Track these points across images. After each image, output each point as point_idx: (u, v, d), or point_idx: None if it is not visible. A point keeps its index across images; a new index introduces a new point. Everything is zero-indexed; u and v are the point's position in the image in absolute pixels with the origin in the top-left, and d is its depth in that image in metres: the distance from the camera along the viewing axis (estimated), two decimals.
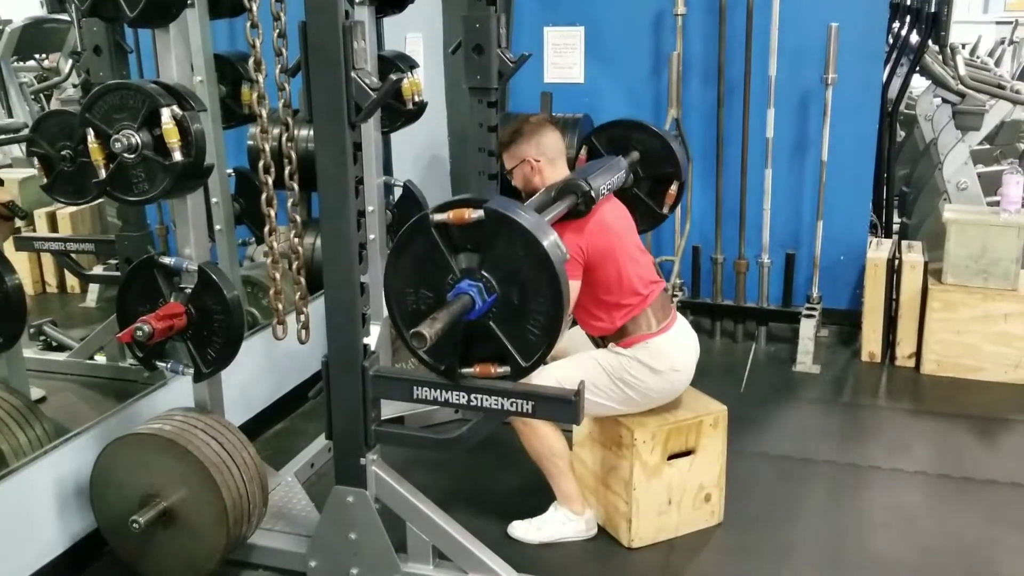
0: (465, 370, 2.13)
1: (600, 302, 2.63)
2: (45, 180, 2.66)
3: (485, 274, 2.02)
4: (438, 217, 2.02)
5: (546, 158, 2.71)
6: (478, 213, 1.99)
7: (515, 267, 2.00)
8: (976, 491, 3.07)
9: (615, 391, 2.62)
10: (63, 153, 2.63)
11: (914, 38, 5.05)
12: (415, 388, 2.35)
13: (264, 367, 3.38)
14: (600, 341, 2.74)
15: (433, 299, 2.08)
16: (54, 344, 3.82)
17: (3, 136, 3.90)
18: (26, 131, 4.72)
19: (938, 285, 3.92)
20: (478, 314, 2.01)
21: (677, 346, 2.69)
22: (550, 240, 2.00)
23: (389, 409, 2.95)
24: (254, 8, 2.16)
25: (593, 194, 2.52)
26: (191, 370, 2.46)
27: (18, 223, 3.78)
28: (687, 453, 2.73)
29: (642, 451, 2.64)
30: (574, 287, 2.50)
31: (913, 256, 4.05)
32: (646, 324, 2.64)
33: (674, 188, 3.03)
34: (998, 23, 11.35)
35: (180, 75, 2.34)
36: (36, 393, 3.11)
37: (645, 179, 3.04)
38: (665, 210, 3.07)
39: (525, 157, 2.71)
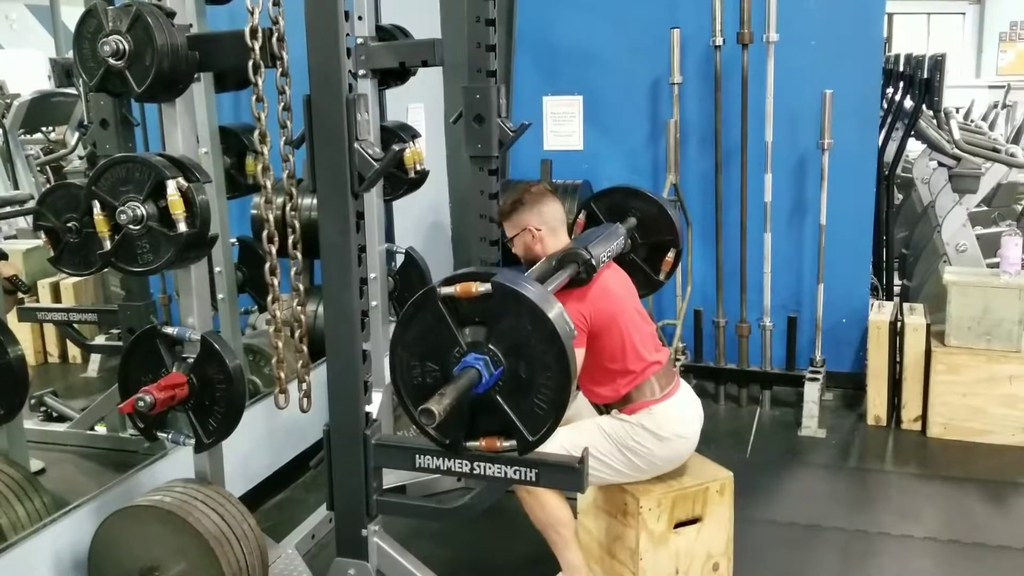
0: (470, 444, 2.10)
1: (604, 370, 2.62)
2: (52, 253, 2.69)
3: (492, 347, 2.00)
4: (445, 290, 2.02)
5: (547, 227, 2.74)
6: (485, 287, 1.99)
7: (522, 340, 1.99)
8: (988, 557, 3.02)
9: (620, 458, 2.60)
10: (69, 225, 2.66)
11: (908, 103, 5.14)
12: (417, 457, 2.33)
13: (265, 436, 3.36)
14: (604, 408, 2.72)
15: (439, 372, 2.06)
16: (55, 415, 3.80)
17: (10, 209, 3.95)
18: (32, 203, 4.78)
19: (941, 347, 3.91)
20: (485, 387, 1.99)
21: (681, 412, 2.67)
22: (556, 313, 1.99)
23: (391, 478, 2.92)
24: (260, 83, 2.20)
25: (594, 262, 2.54)
26: (192, 440, 2.44)
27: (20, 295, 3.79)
28: (694, 521, 2.70)
29: (648, 519, 2.61)
30: (578, 355, 2.49)
31: (915, 318, 4.05)
32: (650, 391, 2.63)
33: (671, 256, 3.05)
34: (991, 87, 11.55)
35: (186, 147, 2.37)
36: (35, 465, 3.09)
37: (642, 245, 3.07)
38: (662, 276, 3.08)
39: (527, 226, 2.74)
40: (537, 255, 2.73)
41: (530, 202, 2.73)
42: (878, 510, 3.36)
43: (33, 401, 3.74)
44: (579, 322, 2.51)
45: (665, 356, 2.72)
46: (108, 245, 2.24)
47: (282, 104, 2.24)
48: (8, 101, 4.51)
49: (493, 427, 2.07)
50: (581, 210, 3.15)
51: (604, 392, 2.66)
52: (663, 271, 3.08)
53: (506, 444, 2.06)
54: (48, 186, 3.27)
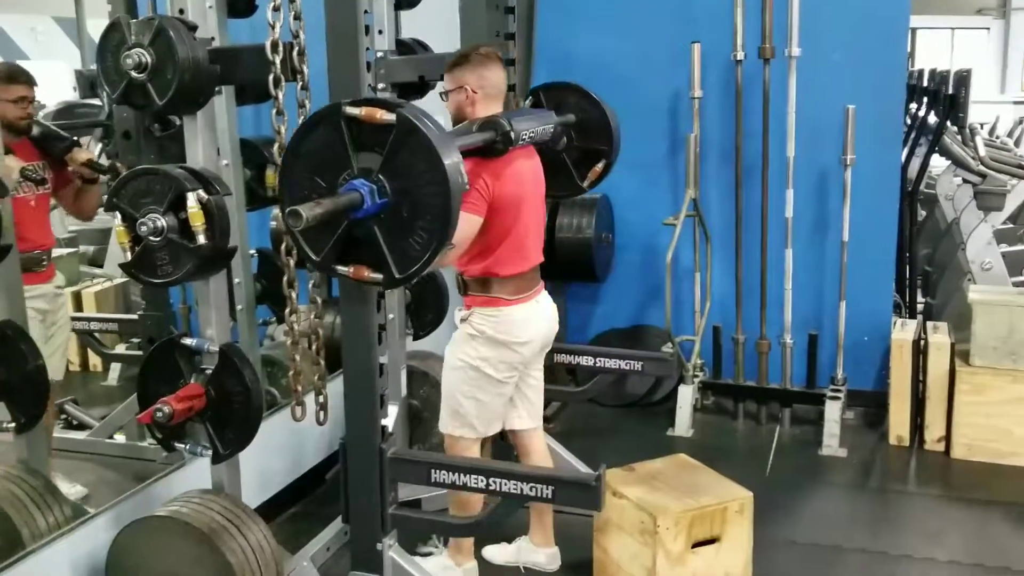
0: (339, 267, 2.09)
1: (485, 246, 2.61)
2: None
3: (381, 178, 1.99)
4: (350, 110, 1.99)
5: (484, 92, 2.63)
6: (390, 116, 1.96)
7: (412, 178, 1.97)
8: None
9: (477, 381, 2.66)
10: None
11: (932, 119, 5.09)
12: (433, 471, 2.33)
13: (282, 448, 3.36)
14: (460, 284, 2.72)
15: (326, 190, 2.04)
16: (75, 423, 3.82)
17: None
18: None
19: (966, 367, 3.86)
20: (364, 214, 1.98)
21: (528, 316, 2.69)
22: (452, 162, 1.96)
23: (406, 491, 2.91)
24: (280, 96, 2.21)
25: (512, 135, 2.49)
26: (209, 451, 2.44)
27: None
28: (712, 541, 2.67)
29: (665, 538, 2.58)
30: (475, 222, 2.51)
31: (939, 337, 4.00)
32: (506, 291, 2.64)
33: (600, 166, 3.02)
34: (1015, 103, 11.46)
35: (206, 160, 2.38)
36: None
37: (576, 148, 3.02)
38: (585, 184, 3.04)
39: (464, 84, 2.63)
40: (466, 118, 2.64)
41: (475, 61, 2.63)
42: (900, 532, 3.32)
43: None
44: (481, 190, 2.50)
45: (536, 262, 2.73)
46: (129, 256, 2.25)
47: (302, 117, 2.25)
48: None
49: (366, 257, 2.05)
50: (528, 96, 3.11)
51: (472, 266, 2.65)
52: (588, 179, 3.03)
53: (373, 275, 2.05)
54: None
